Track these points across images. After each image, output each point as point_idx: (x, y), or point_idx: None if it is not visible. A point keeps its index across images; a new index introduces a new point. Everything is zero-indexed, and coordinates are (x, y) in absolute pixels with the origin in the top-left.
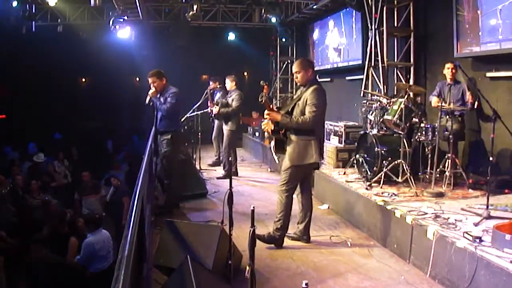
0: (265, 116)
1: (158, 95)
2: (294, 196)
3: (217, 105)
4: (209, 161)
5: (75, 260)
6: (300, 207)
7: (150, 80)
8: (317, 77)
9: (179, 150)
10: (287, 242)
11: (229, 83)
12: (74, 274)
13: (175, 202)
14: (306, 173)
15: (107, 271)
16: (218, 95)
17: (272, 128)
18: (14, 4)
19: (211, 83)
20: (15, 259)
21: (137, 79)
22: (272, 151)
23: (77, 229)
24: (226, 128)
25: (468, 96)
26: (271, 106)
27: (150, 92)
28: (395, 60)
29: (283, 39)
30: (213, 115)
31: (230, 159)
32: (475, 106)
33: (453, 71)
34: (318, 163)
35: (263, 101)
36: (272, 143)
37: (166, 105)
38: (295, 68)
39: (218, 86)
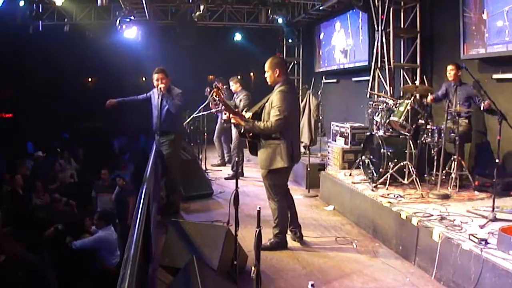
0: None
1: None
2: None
3: None
4: (215, 162)
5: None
6: None
7: (157, 76)
8: (300, 79)
9: (181, 150)
10: (292, 243)
11: (233, 85)
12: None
13: (177, 203)
14: (287, 174)
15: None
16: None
17: (241, 131)
18: (21, 3)
19: (215, 84)
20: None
21: (144, 79)
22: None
23: (84, 228)
24: (235, 129)
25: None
26: (236, 110)
27: (162, 86)
28: (402, 61)
29: (290, 40)
30: (223, 121)
31: (237, 159)
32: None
33: (456, 72)
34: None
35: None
36: (247, 145)
37: (176, 101)
38: (265, 68)
39: (224, 87)
